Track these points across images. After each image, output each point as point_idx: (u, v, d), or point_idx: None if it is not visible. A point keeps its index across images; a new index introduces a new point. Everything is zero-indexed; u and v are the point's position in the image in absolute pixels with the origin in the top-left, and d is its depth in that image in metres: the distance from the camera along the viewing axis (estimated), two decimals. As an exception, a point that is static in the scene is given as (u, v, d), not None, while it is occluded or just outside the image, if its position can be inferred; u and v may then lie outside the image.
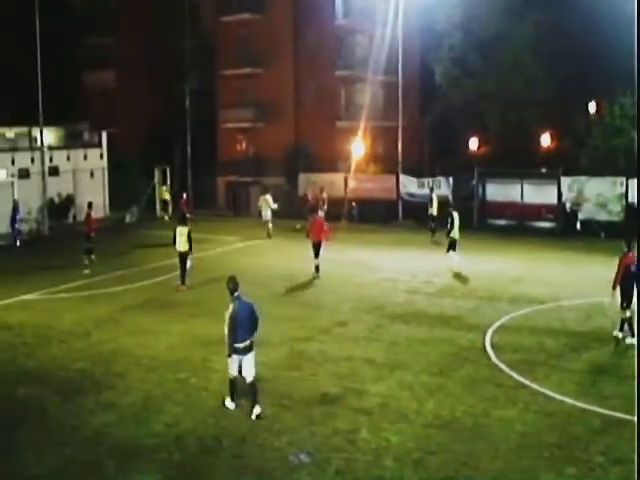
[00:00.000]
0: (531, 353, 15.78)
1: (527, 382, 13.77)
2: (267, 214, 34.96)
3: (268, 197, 35.57)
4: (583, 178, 35.76)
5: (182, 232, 22.75)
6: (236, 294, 12.34)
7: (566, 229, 35.10)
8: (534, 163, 42.89)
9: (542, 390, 13.36)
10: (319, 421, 12.07)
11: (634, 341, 16.25)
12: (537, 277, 24.54)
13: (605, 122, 38.99)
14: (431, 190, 35.80)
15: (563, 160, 38.49)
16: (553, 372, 14.47)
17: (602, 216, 34.68)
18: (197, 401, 13.06)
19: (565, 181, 35.88)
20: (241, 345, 12.18)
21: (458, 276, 24.63)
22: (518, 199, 37.59)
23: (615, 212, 34.72)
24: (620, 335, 16.71)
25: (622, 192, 34.52)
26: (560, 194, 35.92)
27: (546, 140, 53.11)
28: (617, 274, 16.68)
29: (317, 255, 24.83)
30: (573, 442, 11.23)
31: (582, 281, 23.63)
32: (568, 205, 35.82)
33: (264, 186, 41.14)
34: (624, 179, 34.65)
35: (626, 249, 16.75)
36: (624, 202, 34.47)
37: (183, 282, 22.75)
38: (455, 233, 25.99)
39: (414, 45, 49.43)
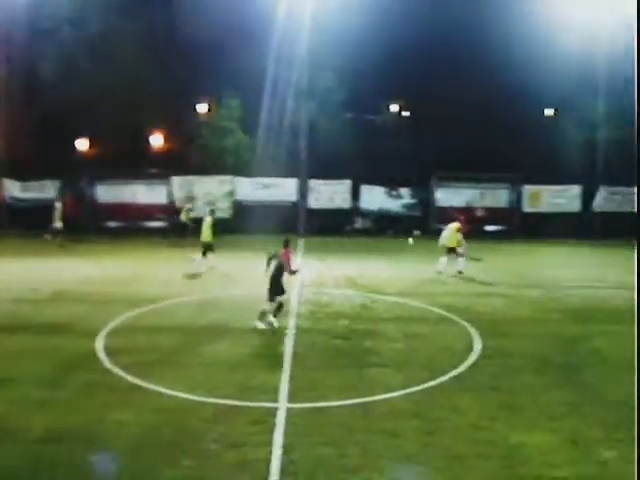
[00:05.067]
0: (145, 353, 15.70)
1: (142, 383, 13.64)
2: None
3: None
4: (192, 177, 36.92)
5: None
6: None
7: (175, 229, 35.86)
8: (148, 163, 43.23)
9: (157, 389, 13.32)
10: None
11: (262, 326, 17.49)
12: (151, 277, 24.73)
13: (213, 123, 40.67)
14: (58, 198, 34.47)
15: (175, 160, 39.33)
16: (167, 369, 14.54)
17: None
18: None
19: (176, 181, 36.70)
20: None
21: (72, 281, 23.93)
22: (131, 200, 37.60)
23: (224, 209, 36.42)
24: (260, 325, 17.55)
25: (230, 190, 36.33)
26: (171, 194, 36.66)
27: (157, 140, 53.83)
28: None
29: None
30: (188, 435, 11.34)
31: (204, 277, 24.30)
32: (178, 204, 36.70)
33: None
34: (232, 177, 36.52)
35: (284, 246, 17.69)
36: (232, 199, 36.34)
37: None
38: (205, 236, 25.66)
39: (18, 39, 46.43)
